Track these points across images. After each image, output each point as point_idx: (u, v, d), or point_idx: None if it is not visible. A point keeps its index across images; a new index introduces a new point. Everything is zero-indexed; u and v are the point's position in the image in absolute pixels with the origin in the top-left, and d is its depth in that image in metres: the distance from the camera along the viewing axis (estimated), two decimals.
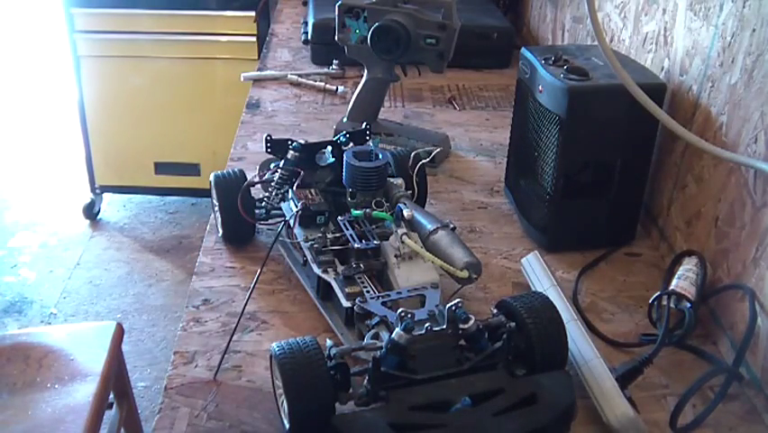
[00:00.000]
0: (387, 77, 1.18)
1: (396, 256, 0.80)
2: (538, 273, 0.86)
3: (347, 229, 0.83)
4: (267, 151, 0.95)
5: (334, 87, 1.48)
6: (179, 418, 0.70)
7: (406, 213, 0.84)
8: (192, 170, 2.45)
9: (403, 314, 0.67)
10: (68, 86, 2.43)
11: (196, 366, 0.76)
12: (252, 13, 2.24)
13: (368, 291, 0.77)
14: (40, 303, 2.29)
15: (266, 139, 0.95)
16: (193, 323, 0.82)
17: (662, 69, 0.99)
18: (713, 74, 0.85)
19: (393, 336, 0.66)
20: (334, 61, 1.55)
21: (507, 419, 0.61)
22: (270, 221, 0.94)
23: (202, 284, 0.89)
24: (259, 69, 1.58)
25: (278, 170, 0.94)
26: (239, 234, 0.96)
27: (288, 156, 0.94)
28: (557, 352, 0.69)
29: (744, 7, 0.78)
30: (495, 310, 0.72)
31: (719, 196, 0.84)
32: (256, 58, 2.02)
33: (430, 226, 0.83)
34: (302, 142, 0.95)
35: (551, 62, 0.92)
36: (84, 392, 1.17)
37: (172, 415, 0.70)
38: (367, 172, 0.88)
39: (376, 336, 0.70)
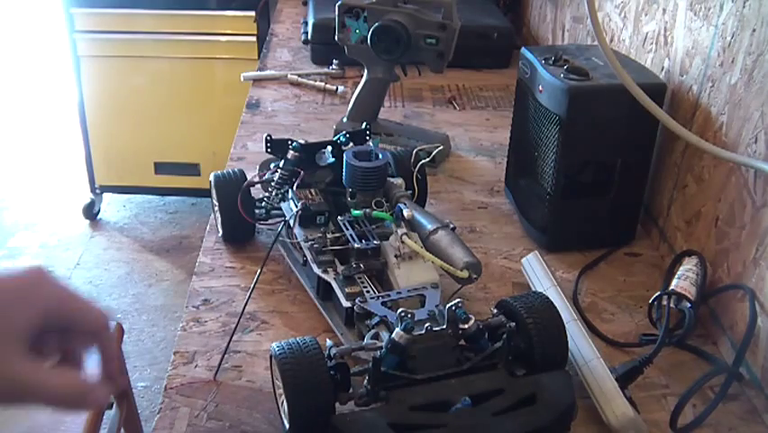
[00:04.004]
0: (387, 77, 1.18)
1: (396, 256, 0.80)
2: (538, 273, 0.86)
3: (347, 229, 0.83)
4: (267, 151, 0.95)
5: (334, 87, 1.48)
6: (179, 418, 0.70)
7: (406, 213, 0.83)
8: (192, 170, 2.45)
9: (403, 314, 0.67)
10: (68, 86, 2.43)
11: (196, 366, 0.76)
12: (252, 13, 2.24)
13: (368, 291, 0.77)
14: None
15: (266, 139, 0.95)
16: (193, 323, 0.82)
17: (662, 69, 0.99)
18: (713, 74, 0.85)
19: (393, 336, 0.65)
20: (334, 61, 1.55)
21: (507, 419, 0.61)
22: (270, 221, 0.94)
23: (202, 284, 0.89)
24: (259, 69, 1.58)
25: (278, 170, 0.94)
26: (239, 234, 0.96)
27: (288, 156, 0.94)
28: (557, 352, 0.69)
29: (744, 7, 0.78)
30: (495, 310, 0.72)
31: (719, 196, 0.84)
32: (256, 58, 2.02)
33: (430, 226, 0.83)
34: (302, 142, 0.95)
35: (551, 62, 0.92)
36: None
37: (172, 415, 0.70)
38: (367, 172, 0.88)
39: (376, 336, 0.70)
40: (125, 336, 1.34)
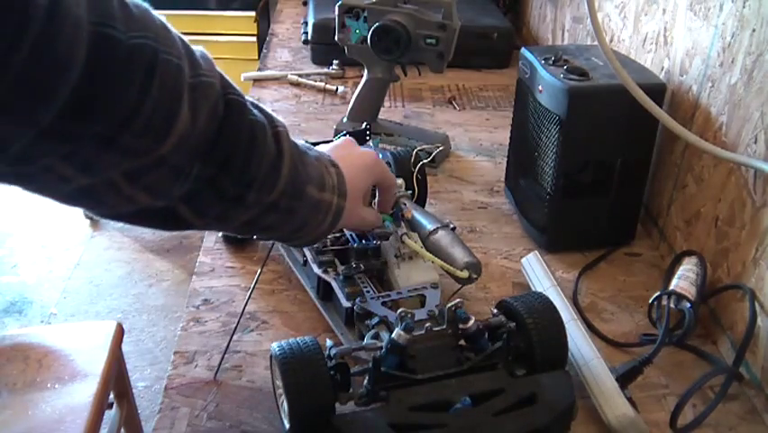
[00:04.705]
0: (387, 77, 1.18)
1: (396, 256, 0.80)
2: (538, 273, 0.86)
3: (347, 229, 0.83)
4: None
5: (334, 87, 1.48)
6: (179, 418, 0.70)
7: (406, 213, 0.84)
8: None
9: (403, 314, 0.67)
10: None
11: (196, 366, 0.76)
12: (252, 14, 2.25)
13: (368, 291, 0.77)
14: (40, 303, 2.30)
15: None
16: (193, 323, 0.82)
17: (662, 69, 0.99)
18: (713, 74, 0.85)
19: (393, 336, 0.66)
20: (334, 61, 1.55)
21: (507, 419, 0.61)
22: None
23: (202, 284, 0.89)
24: (259, 69, 1.59)
25: None
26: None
27: None
28: (557, 352, 0.69)
29: (744, 7, 0.78)
30: (495, 310, 0.72)
31: (719, 196, 0.84)
32: (256, 58, 2.02)
33: (430, 226, 0.83)
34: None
35: (551, 62, 0.92)
36: (84, 392, 1.17)
37: (172, 415, 0.70)
38: None
39: (376, 337, 0.70)
40: (125, 336, 1.34)
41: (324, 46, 1.56)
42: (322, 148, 0.69)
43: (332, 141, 0.96)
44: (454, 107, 1.45)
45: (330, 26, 1.23)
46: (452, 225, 0.84)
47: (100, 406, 1.17)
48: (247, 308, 0.81)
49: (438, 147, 1.14)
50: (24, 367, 1.22)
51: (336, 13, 1.15)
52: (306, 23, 1.74)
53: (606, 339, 0.82)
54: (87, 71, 0.39)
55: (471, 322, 0.68)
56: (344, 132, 0.98)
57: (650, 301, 0.82)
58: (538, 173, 0.96)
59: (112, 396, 1.29)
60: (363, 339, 0.72)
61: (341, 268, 0.80)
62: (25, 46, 0.35)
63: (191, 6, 2.24)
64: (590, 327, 0.83)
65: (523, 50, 0.99)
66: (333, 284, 0.79)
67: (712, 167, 0.86)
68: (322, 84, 1.49)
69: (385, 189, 0.76)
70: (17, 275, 2.43)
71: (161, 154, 0.47)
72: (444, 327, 0.67)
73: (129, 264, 2.46)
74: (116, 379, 1.28)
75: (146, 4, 0.46)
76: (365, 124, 1.01)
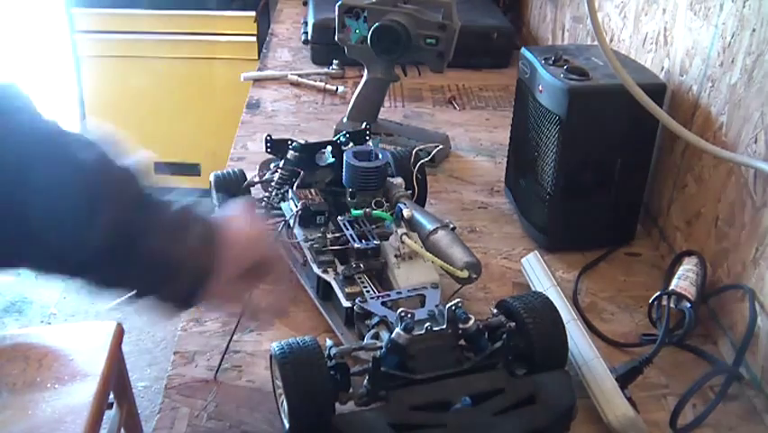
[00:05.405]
0: (387, 77, 1.18)
1: (396, 256, 0.80)
2: (538, 273, 0.86)
3: (347, 229, 0.83)
4: (267, 151, 0.95)
5: (334, 87, 1.48)
6: (179, 418, 0.70)
7: (405, 213, 0.84)
8: (192, 169, 2.44)
9: (403, 314, 0.67)
10: (68, 86, 2.43)
11: (196, 366, 0.76)
12: (252, 13, 2.25)
13: (368, 291, 0.77)
14: (40, 303, 2.29)
15: (266, 139, 0.95)
16: (193, 323, 0.82)
17: (662, 69, 0.99)
18: (713, 74, 0.85)
19: (393, 335, 0.66)
20: (334, 61, 1.55)
21: (507, 419, 0.61)
22: (270, 221, 0.94)
23: None
24: (259, 69, 1.59)
25: (278, 170, 0.94)
26: None
27: (288, 156, 0.94)
28: (557, 352, 0.69)
29: (744, 7, 0.78)
30: (495, 310, 0.72)
31: (719, 196, 0.84)
32: (256, 58, 2.02)
33: (430, 226, 0.83)
34: (302, 142, 0.95)
35: (551, 62, 0.92)
36: (84, 392, 1.17)
37: (172, 415, 0.70)
38: (367, 172, 0.88)
39: (376, 336, 0.70)
40: (125, 336, 1.34)
41: (324, 46, 1.56)
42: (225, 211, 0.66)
43: (332, 141, 0.96)
44: (454, 107, 1.45)
45: (330, 26, 1.23)
46: (451, 225, 0.84)
47: (100, 406, 1.17)
48: None
49: (437, 146, 1.14)
50: (24, 367, 1.22)
51: (336, 13, 1.15)
52: (306, 23, 1.74)
53: (606, 339, 0.82)
54: None
55: (471, 322, 0.68)
56: (344, 132, 0.98)
57: (650, 301, 0.82)
58: (538, 173, 0.96)
59: (112, 396, 1.29)
60: (363, 339, 0.72)
61: (341, 268, 0.80)
62: None
63: (191, 6, 2.24)
64: (590, 327, 0.83)
65: (523, 50, 0.99)
66: (333, 284, 0.79)
67: (712, 167, 0.86)
68: (322, 84, 1.49)
69: (271, 274, 0.67)
70: (17, 275, 2.42)
71: None
72: (444, 326, 0.67)
73: None
74: (116, 379, 1.28)
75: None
76: (365, 124, 1.01)
